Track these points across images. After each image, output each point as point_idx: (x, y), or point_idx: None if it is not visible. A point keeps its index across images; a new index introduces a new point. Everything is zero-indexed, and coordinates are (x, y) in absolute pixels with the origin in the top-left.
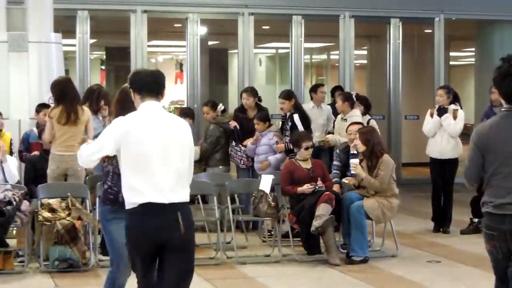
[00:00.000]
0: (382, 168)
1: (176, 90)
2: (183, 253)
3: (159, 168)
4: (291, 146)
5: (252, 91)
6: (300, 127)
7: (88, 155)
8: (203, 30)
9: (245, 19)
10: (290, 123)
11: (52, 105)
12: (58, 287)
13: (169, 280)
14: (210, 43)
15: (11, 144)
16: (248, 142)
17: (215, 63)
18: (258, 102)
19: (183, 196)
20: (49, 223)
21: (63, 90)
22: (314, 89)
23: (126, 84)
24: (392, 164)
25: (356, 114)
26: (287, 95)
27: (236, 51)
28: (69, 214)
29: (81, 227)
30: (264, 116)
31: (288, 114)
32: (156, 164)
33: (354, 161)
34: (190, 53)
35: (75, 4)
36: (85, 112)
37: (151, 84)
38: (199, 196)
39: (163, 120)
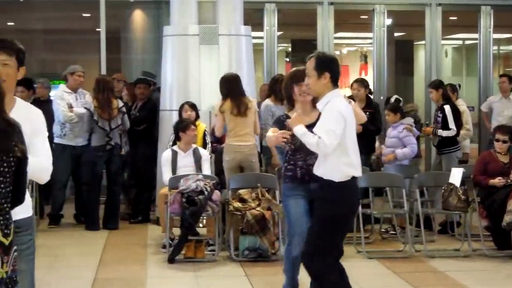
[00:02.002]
0: None
1: None
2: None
3: (354, 147)
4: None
5: (363, 82)
6: (450, 119)
7: (331, 143)
8: (389, 21)
9: (433, 10)
10: (441, 114)
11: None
12: (248, 276)
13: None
14: (396, 34)
15: (204, 135)
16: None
17: (401, 54)
18: (369, 94)
19: None
20: (239, 213)
21: (229, 87)
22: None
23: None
24: None
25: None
26: (437, 84)
27: (422, 42)
28: (259, 205)
29: (270, 218)
30: (396, 107)
31: (437, 105)
32: (352, 143)
33: None
34: (377, 44)
35: None
36: (252, 102)
37: (339, 75)
38: (387, 188)
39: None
